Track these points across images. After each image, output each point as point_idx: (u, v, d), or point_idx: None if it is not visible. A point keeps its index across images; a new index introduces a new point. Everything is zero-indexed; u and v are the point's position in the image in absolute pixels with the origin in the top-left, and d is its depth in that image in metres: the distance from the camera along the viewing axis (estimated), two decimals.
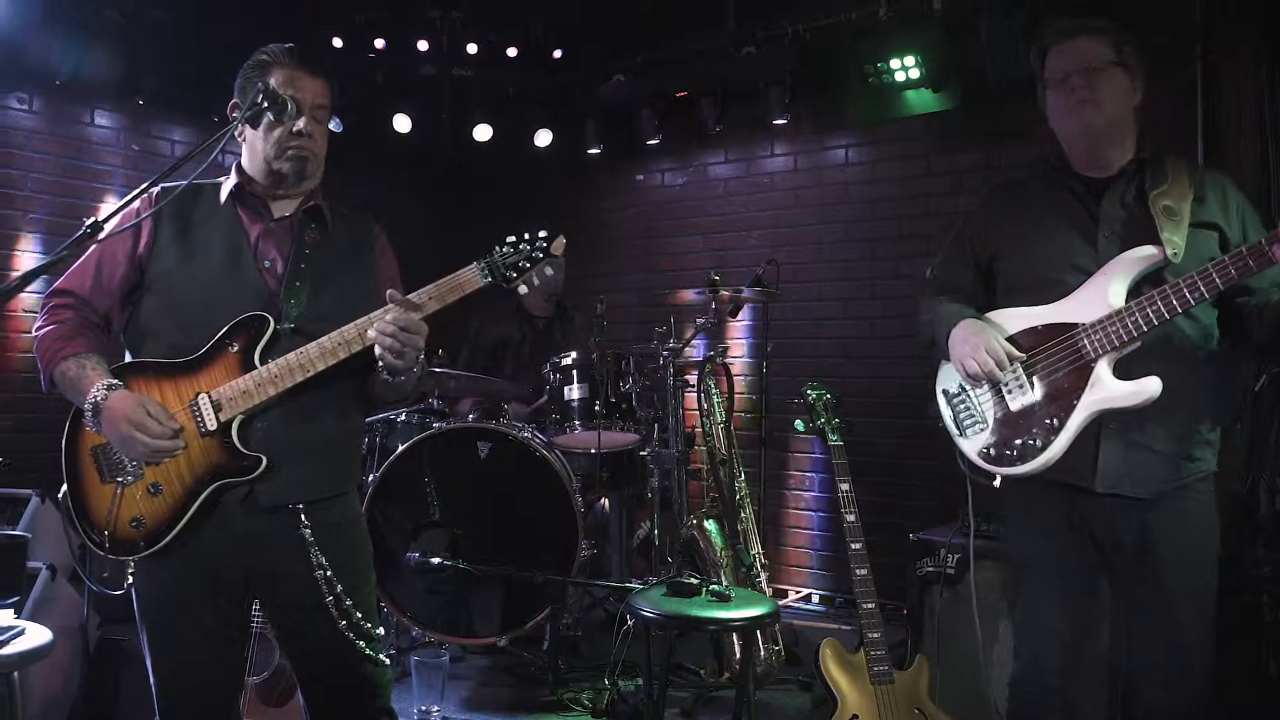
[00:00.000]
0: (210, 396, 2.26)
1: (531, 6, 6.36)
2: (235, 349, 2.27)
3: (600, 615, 5.05)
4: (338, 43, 6.21)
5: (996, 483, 2.53)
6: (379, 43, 6.35)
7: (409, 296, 2.24)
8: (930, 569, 3.76)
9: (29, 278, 2.02)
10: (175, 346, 2.30)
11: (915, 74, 5.25)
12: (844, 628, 5.15)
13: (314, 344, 2.24)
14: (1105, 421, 2.41)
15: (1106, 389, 2.38)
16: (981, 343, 2.49)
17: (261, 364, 2.25)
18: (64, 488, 2.31)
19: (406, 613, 4.36)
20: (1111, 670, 3.15)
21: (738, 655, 4.06)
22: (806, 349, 6.05)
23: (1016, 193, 2.66)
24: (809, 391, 3.55)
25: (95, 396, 2.22)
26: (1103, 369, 2.39)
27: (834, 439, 3.43)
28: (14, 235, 5.39)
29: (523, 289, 2.25)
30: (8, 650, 2.55)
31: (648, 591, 3.28)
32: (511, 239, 2.26)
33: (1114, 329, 2.37)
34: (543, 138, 6.57)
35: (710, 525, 4.33)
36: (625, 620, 4.03)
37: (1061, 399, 2.43)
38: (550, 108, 6.66)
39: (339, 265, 2.44)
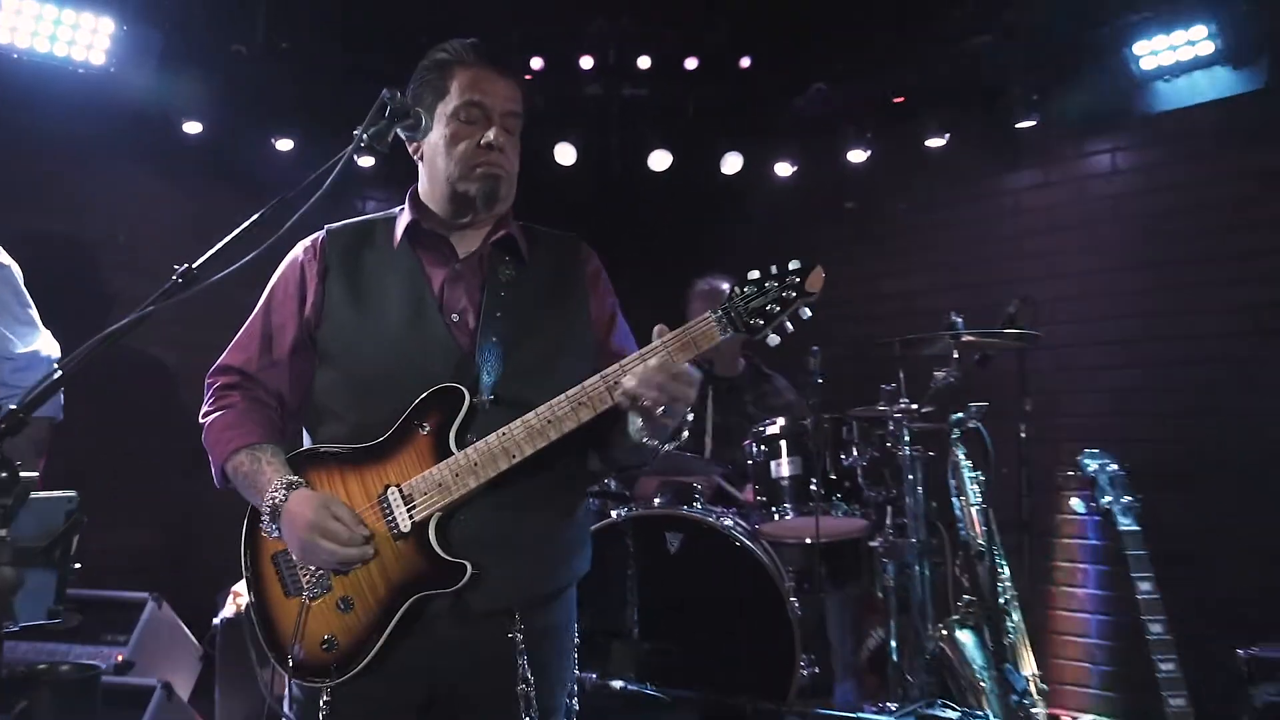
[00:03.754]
0: (401, 490, 2.24)
1: (712, 9, 6.26)
2: (426, 430, 2.25)
3: None
4: None
5: None
6: (536, 63, 6.35)
7: (649, 348, 2.19)
8: (1272, 697, 3.54)
9: (109, 339, 1.97)
10: (360, 426, 2.30)
11: (1207, 49, 4.80)
12: None
13: (519, 423, 2.19)
14: None
15: None
16: None
17: (459, 447, 2.23)
18: (246, 600, 2.34)
19: None
20: None
21: None
22: (1075, 406, 5.69)
23: None
24: (1087, 461, 3.41)
25: (274, 498, 2.24)
26: None
27: (1126, 523, 3.26)
28: (138, 299, 5.45)
29: (773, 339, 2.18)
30: None
31: None
32: (755, 275, 2.19)
33: None
34: (731, 162, 6.50)
35: (965, 636, 4.12)
36: None
37: None
38: (739, 127, 6.55)
39: (542, 306, 2.41)
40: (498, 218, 2.45)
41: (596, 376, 2.19)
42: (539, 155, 6.42)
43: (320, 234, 2.44)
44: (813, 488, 4.46)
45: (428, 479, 2.22)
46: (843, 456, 4.56)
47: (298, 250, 2.43)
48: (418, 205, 2.45)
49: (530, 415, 2.19)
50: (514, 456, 2.19)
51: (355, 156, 2.21)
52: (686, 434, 2.29)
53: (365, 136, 2.20)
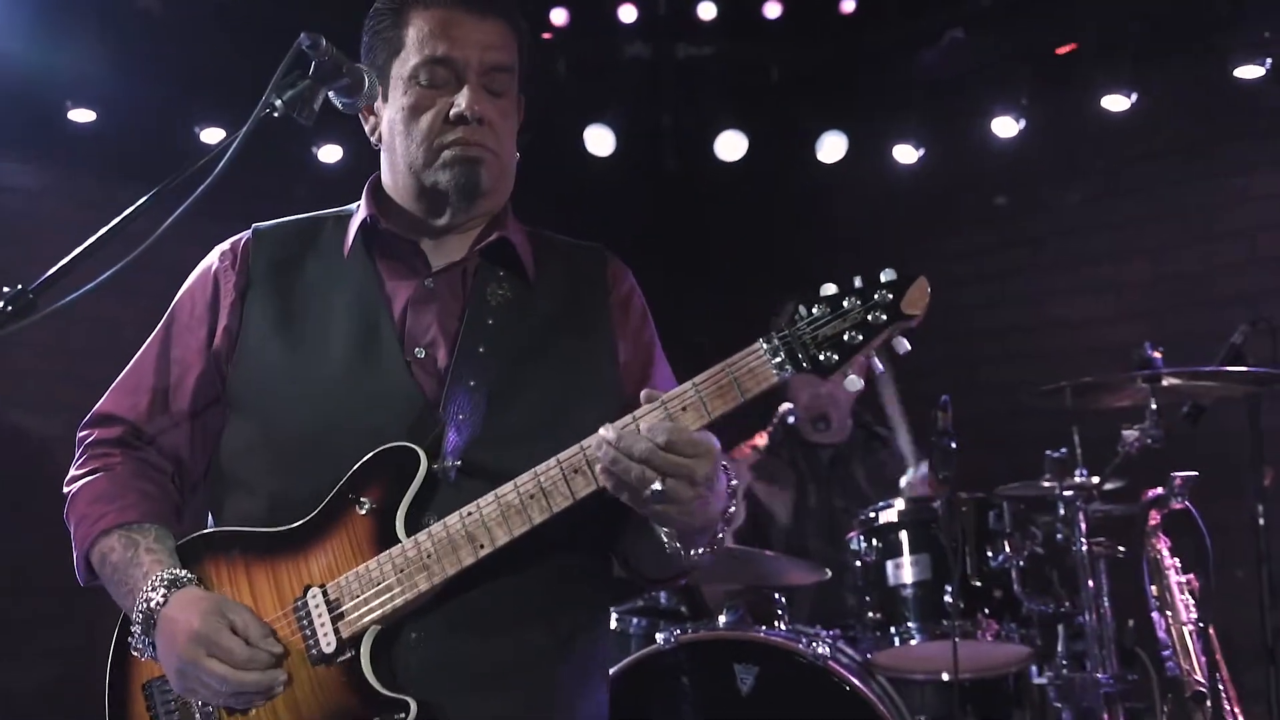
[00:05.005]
0: (325, 593, 2.22)
1: None
2: (366, 508, 2.24)
3: None
4: None
5: None
6: (558, 15, 6.34)
7: (671, 395, 2.17)
8: None
9: None
10: (277, 502, 2.30)
11: None
12: None
13: (490, 498, 2.19)
14: None
15: None
16: None
17: (408, 534, 2.21)
18: None
19: None
20: None
21: None
22: None
23: None
24: None
25: (149, 599, 2.21)
26: None
27: None
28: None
29: (853, 381, 2.16)
30: None
31: None
32: (830, 290, 2.17)
33: None
34: (830, 146, 6.52)
35: None
36: None
37: None
38: (841, 96, 6.50)
39: (546, 341, 2.42)
40: (488, 217, 2.44)
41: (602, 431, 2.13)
42: (564, 143, 6.38)
43: (245, 235, 2.46)
44: (948, 599, 4.30)
45: (363, 577, 2.19)
46: (990, 554, 4.41)
47: (212, 257, 2.45)
48: (377, 198, 2.45)
49: (506, 487, 2.16)
50: (481, 546, 2.15)
51: (280, 140, 2.15)
52: (725, 534, 2.24)
53: (279, 103, 2.14)
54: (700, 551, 2.22)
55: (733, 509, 2.24)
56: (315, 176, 6.02)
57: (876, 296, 2.13)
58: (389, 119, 2.39)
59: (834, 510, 5.13)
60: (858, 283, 2.15)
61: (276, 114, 2.16)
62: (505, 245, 2.43)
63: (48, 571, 5.07)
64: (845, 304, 2.13)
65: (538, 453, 2.20)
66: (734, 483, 2.27)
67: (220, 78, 5.66)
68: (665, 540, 2.20)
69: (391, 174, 2.44)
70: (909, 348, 2.14)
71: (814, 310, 2.14)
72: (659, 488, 2.05)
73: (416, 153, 2.35)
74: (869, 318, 2.12)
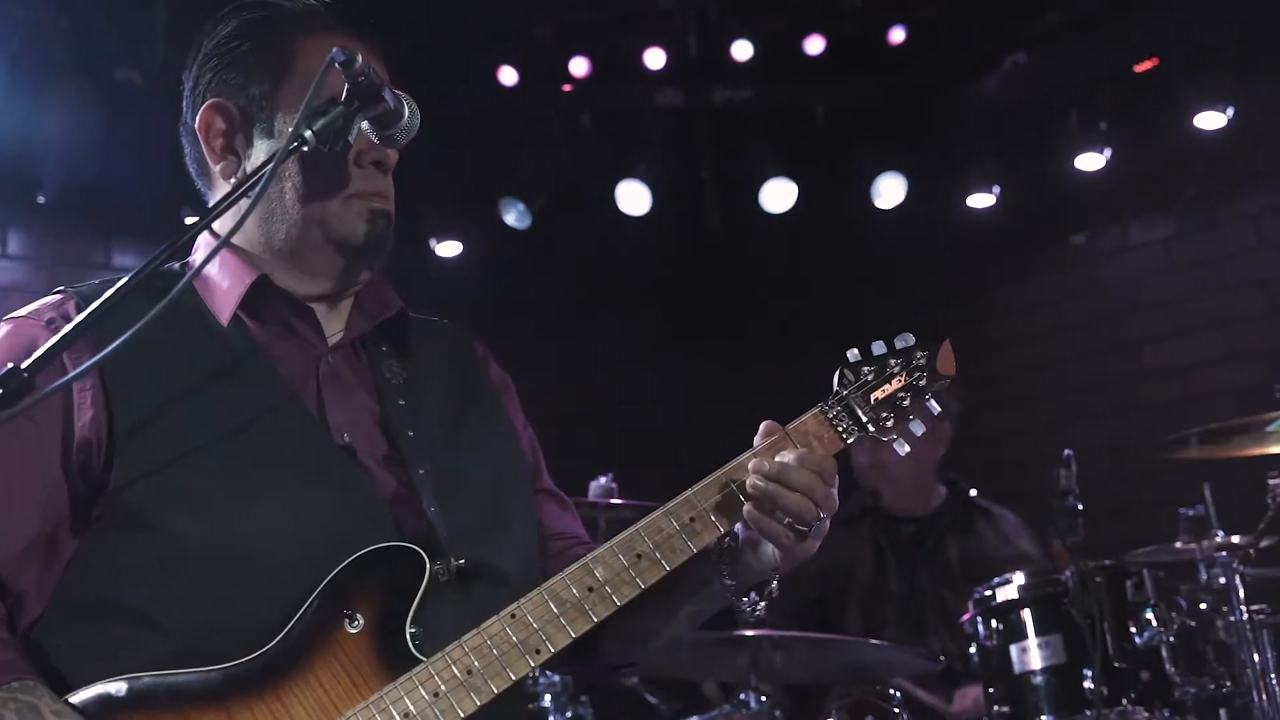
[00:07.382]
0: None
1: None
2: (360, 625, 2.12)
3: None
4: (509, 76, 6.20)
5: None
6: (578, 67, 6.33)
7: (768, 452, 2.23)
8: None
9: None
10: (206, 634, 2.09)
11: None
12: None
13: (562, 582, 2.16)
14: None
15: None
16: None
17: (420, 650, 2.12)
18: None
19: None
20: None
21: None
22: None
23: None
24: None
25: None
26: None
27: None
28: None
29: (902, 446, 2.33)
30: None
31: None
32: (855, 355, 2.34)
33: None
34: (887, 191, 6.50)
35: None
36: None
37: None
38: (896, 134, 6.49)
39: (456, 423, 2.43)
40: (361, 286, 2.37)
41: (710, 479, 2.21)
42: (595, 203, 6.40)
43: (63, 298, 2.20)
44: (1088, 685, 4.18)
45: (380, 708, 2.06)
46: (1132, 630, 4.29)
47: (22, 325, 2.15)
48: (245, 258, 2.27)
49: (576, 568, 2.15)
50: (537, 651, 2.13)
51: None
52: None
53: (309, 134, 2.03)
54: (761, 604, 2.34)
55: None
56: None
57: (915, 360, 2.32)
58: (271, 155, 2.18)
59: (917, 593, 5.18)
60: (878, 349, 2.32)
61: (307, 147, 2.05)
62: (401, 319, 2.40)
63: None
64: (890, 365, 2.31)
65: (504, 543, 2.26)
66: None
67: None
68: (729, 592, 2.27)
69: (266, 225, 2.26)
70: (939, 409, 2.35)
71: (862, 372, 2.30)
72: (823, 516, 2.13)
73: (322, 201, 2.25)
74: (913, 380, 2.31)
